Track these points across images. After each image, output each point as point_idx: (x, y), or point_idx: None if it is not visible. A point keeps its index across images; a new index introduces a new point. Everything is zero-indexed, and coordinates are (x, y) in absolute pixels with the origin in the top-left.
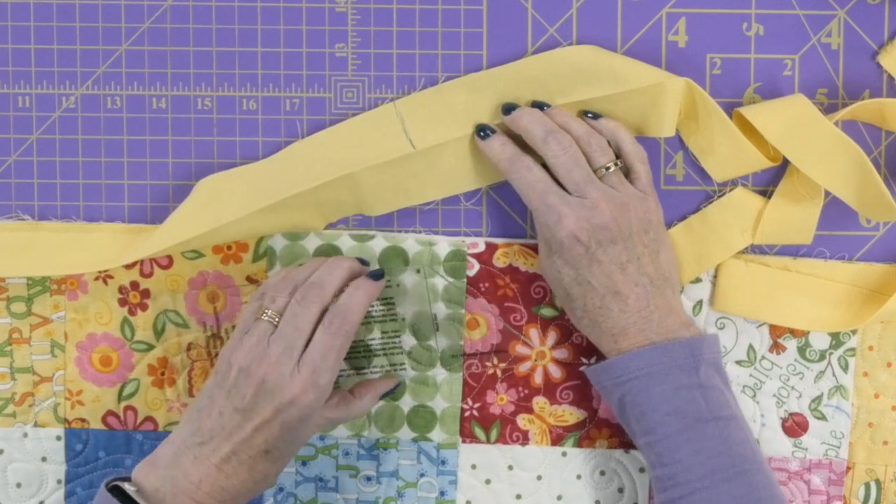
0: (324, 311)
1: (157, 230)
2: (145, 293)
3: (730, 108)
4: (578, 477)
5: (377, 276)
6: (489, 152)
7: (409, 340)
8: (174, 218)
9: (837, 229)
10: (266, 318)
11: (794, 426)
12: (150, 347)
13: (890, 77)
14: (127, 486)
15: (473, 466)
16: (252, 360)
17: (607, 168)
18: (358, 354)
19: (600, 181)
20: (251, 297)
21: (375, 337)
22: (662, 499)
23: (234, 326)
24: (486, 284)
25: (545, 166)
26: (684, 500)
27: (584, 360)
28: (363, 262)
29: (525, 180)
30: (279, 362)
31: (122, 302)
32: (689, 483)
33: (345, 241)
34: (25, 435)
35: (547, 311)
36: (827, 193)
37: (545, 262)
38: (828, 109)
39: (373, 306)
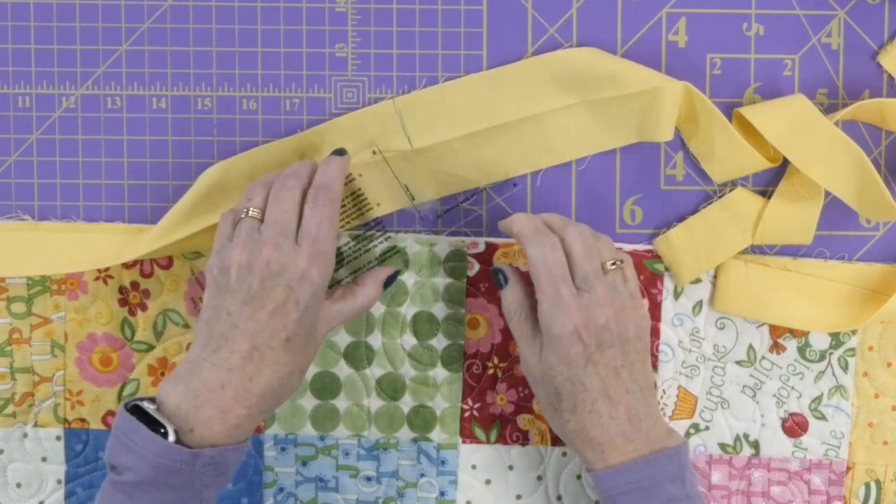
0: (303, 197)
1: (157, 225)
2: (145, 293)
3: (730, 109)
4: (578, 477)
5: (340, 152)
6: (515, 223)
7: (409, 340)
8: (175, 211)
9: (837, 229)
10: (248, 215)
11: (794, 426)
12: (150, 347)
13: (890, 77)
14: (146, 405)
15: (473, 467)
16: (249, 252)
17: (613, 265)
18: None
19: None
20: (221, 217)
21: (360, 233)
22: None
23: None
24: (487, 284)
25: None
26: None
27: None
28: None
29: (545, 259)
30: (278, 243)
31: (123, 302)
32: None
33: (344, 240)
34: (25, 435)
35: None
36: (827, 193)
37: (532, 360)
38: (828, 109)
39: (344, 205)
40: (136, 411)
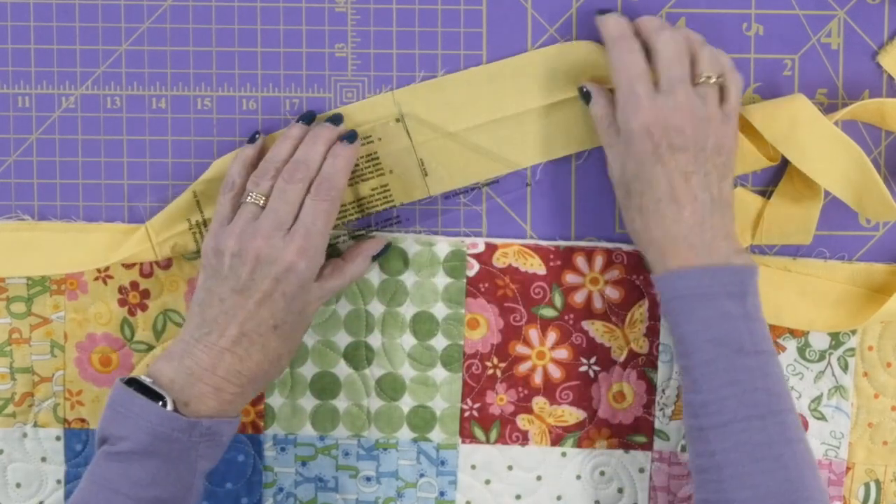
0: (310, 186)
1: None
2: (145, 293)
3: None
4: (578, 477)
5: (352, 138)
6: (603, 25)
7: (409, 340)
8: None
9: (837, 229)
10: (251, 200)
11: None
12: (150, 347)
13: (890, 77)
14: (143, 378)
15: (473, 467)
16: (243, 240)
17: (708, 78)
18: (347, 214)
19: (694, 88)
20: (221, 188)
21: (364, 194)
22: (692, 424)
23: None
24: (486, 284)
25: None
26: (715, 431)
27: (584, 361)
28: (335, 120)
29: (624, 60)
30: (271, 235)
31: (122, 302)
32: (721, 414)
33: (344, 240)
34: (25, 435)
35: (547, 312)
36: (827, 193)
37: (614, 165)
38: (828, 109)
39: (357, 165)
40: (133, 384)
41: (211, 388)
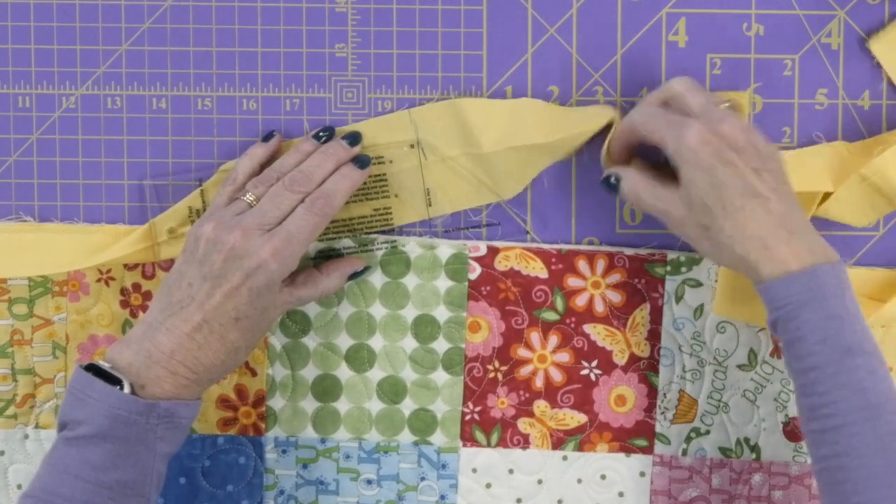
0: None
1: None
2: (147, 295)
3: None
4: (579, 481)
5: (364, 163)
6: (629, 123)
7: (410, 343)
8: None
9: (837, 229)
10: (246, 198)
11: (795, 430)
12: None
13: (889, 78)
14: (101, 363)
15: (474, 470)
16: (222, 229)
17: (722, 102)
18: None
19: None
20: (222, 184)
21: (365, 213)
22: (811, 427)
23: None
24: (488, 288)
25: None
26: (831, 434)
27: (586, 364)
28: (353, 140)
29: (643, 113)
30: (250, 231)
31: (124, 304)
32: (834, 417)
33: (346, 243)
34: (26, 436)
35: (548, 315)
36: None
37: (675, 209)
38: (828, 109)
39: (364, 183)
40: (91, 370)
41: (167, 371)
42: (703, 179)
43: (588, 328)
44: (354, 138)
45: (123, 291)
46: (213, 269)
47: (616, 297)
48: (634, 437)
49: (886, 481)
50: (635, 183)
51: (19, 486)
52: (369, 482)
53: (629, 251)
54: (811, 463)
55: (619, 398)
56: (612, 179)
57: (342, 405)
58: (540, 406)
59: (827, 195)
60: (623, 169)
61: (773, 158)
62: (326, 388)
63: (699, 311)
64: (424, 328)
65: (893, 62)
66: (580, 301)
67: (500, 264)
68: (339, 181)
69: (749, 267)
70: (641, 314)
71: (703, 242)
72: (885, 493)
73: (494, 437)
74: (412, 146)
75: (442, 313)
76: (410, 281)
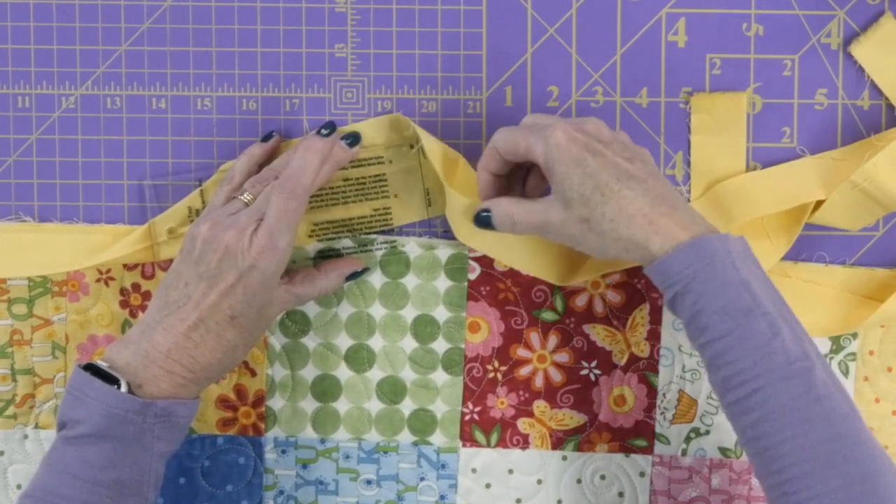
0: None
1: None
2: (146, 295)
3: None
4: (578, 481)
5: (354, 140)
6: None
7: (410, 343)
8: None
9: (837, 229)
10: (243, 197)
11: None
12: None
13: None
14: (99, 362)
15: (474, 470)
16: (218, 229)
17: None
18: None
19: None
20: (220, 183)
21: (365, 213)
22: (728, 399)
23: None
24: (488, 288)
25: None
26: (746, 401)
27: (585, 364)
28: (353, 140)
29: (503, 131)
30: (244, 230)
31: (124, 304)
32: (747, 383)
33: (345, 243)
34: (26, 436)
35: (548, 315)
36: None
37: (553, 213)
38: (827, 109)
39: (364, 184)
40: (90, 370)
41: (164, 370)
42: (575, 172)
43: (588, 328)
44: (354, 138)
45: (123, 291)
46: (208, 269)
47: (616, 298)
48: (634, 438)
49: (804, 443)
50: (506, 207)
51: (19, 486)
52: (369, 482)
53: None
54: (738, 436)
55: (618, 398)
56: (483, 213)
57: (342, 405)
58: (539, 406)
59: (820, 203)
60: (490, 201)
61: (643, 154)
62: (326, 389)
63: None
64: (424, 328)
65: (875, 66)
66: (580, 301)
67: (500, 264)
68: (304, 155)
69: (639, 246)
70: (641, 314)
71: (588, 236)
72: (804, 456)
73: (494, 438)
74: (412, 146)
75: (441, 313)
76: (410, 281)
